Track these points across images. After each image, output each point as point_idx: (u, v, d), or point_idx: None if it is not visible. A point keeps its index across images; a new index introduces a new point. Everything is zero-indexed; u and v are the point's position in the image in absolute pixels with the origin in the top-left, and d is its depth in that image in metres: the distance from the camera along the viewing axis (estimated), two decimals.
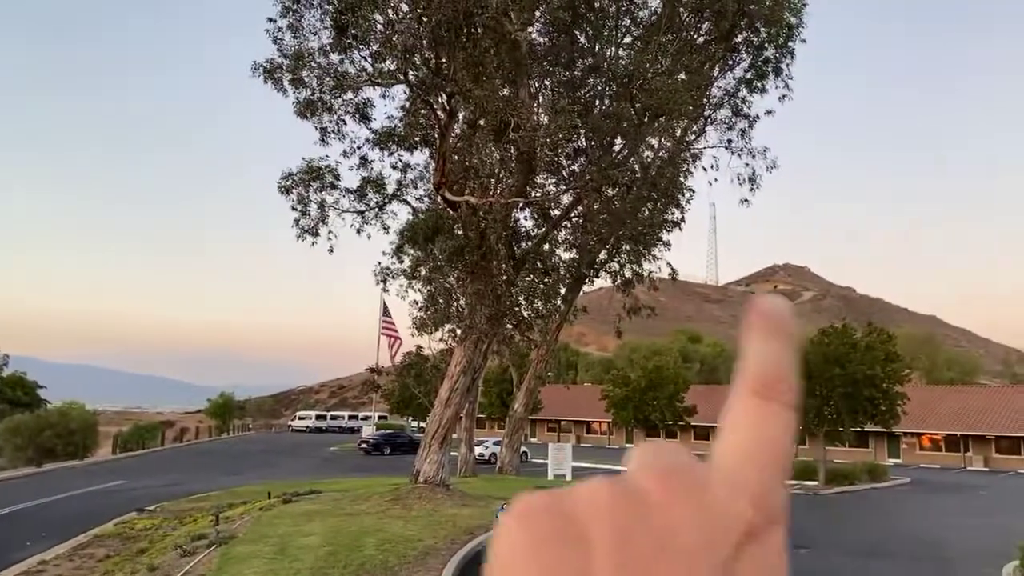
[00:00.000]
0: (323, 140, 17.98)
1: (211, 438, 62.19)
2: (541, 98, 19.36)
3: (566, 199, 23.08)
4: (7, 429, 39.24)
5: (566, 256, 27.01)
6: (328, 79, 17.21)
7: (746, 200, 25.03)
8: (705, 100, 24.34)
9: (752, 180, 24.79)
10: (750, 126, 25.07)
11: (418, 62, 16.55)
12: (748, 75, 24.61)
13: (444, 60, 16.54)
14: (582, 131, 19.47)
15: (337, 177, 18.47)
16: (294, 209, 18.02)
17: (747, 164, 24.82)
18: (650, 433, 64.88)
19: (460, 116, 18.13)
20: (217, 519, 16.08)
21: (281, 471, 31.39)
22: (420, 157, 19.86)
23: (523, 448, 37.24)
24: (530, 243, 22.01)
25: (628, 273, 29.03)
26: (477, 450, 33.69)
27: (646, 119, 20.61)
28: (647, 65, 19.54)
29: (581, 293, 31.11)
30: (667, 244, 27.71)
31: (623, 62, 20.45)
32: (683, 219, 27.19)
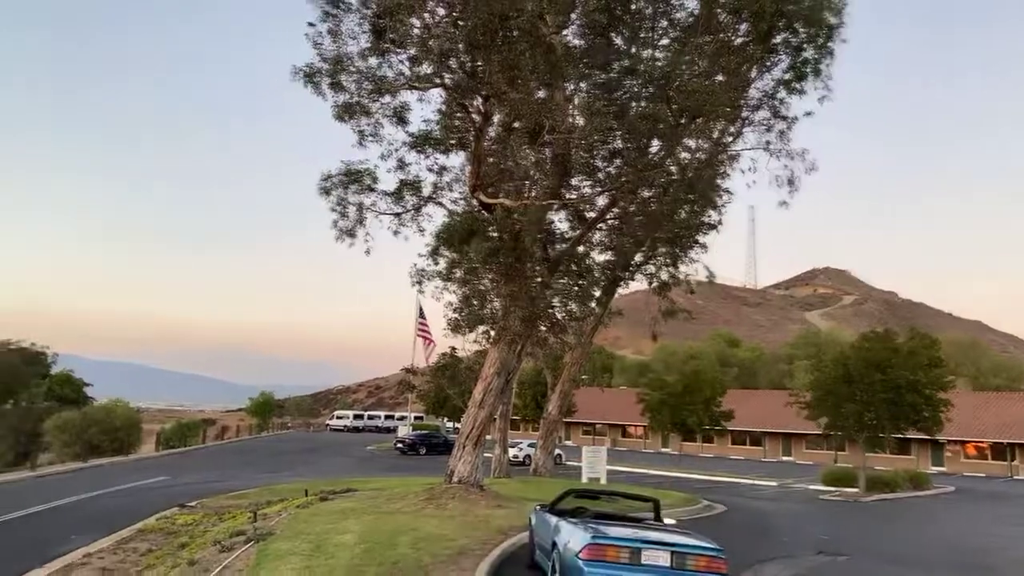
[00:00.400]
0: (361, 143, 18.19)
1: (251, 436, 63.20)
2: (576, 100, 19.35)
3: (601, 201, 23.01)
4: (56, 426, 40.40)
5: (601, 258, 26.93)
6: (366, 83, 17.40)
7: (785, 203, 24.69)
8: (743, 101, 24.07)
9: (791, 182, 24.42)
10: (789, 128, 24.72)
11: (454, 65, 16.66)
12: (787, 76, 24.28)
13: (480, 63, 16.64)
14: (618, 133, 19.40)
15: (375, 180, 18.68)
16: (333, 211, 18.29)
17: (786, 166, 24.46)
18: (687, 437, 64.24)
19: (495, 119, 18.21)
20: (255, 516, 16.37)
21: (318, 469, 31.80)
22: (456, 160, 20.06)
23: (557, 450, 37.21)
24: (565, 245, 21.99)
25: (664, 276, 28.84)
26: (511, 452, 33.75)
27: (683, 121, 20.47)
28: (684, 67, 19.41)
29: (617, 296, 30.99)
30: (704, 247, 27.48)
31: (660, 64, 20.34)
32: (720, 222, 26.96)
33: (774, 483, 36.59)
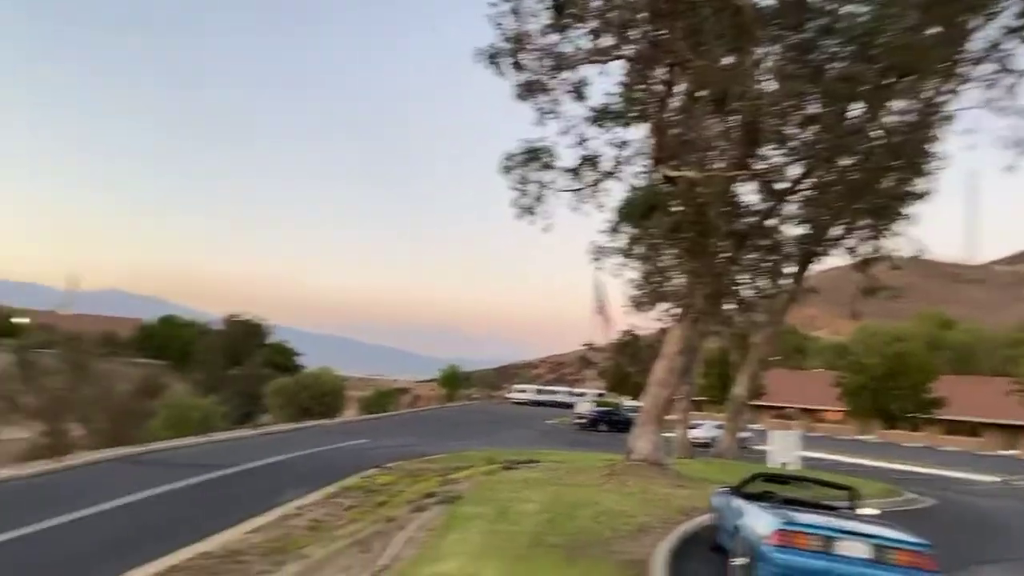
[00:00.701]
0: (540, 121, 18.38)
1: (439, 406, 66.59)
2: (767, 64, 18.28)
3: (794, 171, 21.69)
4: (273, 390, 44.85)
5: (794, 232, 25.42)
6: (546, 60, 17.53)
7: (1012, 167, 21.87)
8: (961, 55, 21.55)
9: (1020, 144, 21.60)
10: (1020, 82, 21.80)
11: (635, 36, 16.31)
12: (1017, 23, 21.39)
13: (662, 32, 16.17)
14: (813, 97, 18.14)
15: (554, 157, 18.84)
16: (513, 189, 18.67)
17: (1014, 126, 21.64)
18: (889, 425, 59.57)
19: (679, 88, 17.65)
20: (445, 480, 17.26)
21: (502, 439, 32.86)
22: (636, 133, 19.67)
23: (744, 433, 35.90)
24: (753, 219, 20.98)
25: (866, 250, 26.71)
26: (694, 433, 33.00)
27: (888, 81, 18.73)
28: (890, 21, 17.70)
29: (812, 272, 29.16)
30: (911, 218, 25.13)
31: (862, 19, 18.70)
32: (932, 190, 24.50)
33: (995, 478, 33.01)
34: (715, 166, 18.40)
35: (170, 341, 74.55)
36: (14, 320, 76.54)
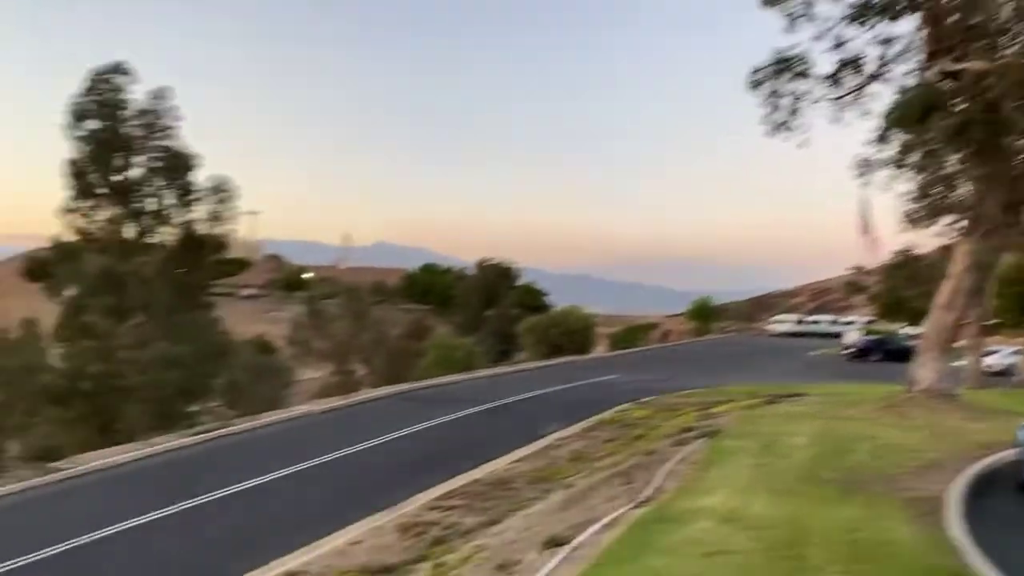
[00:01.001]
0: (790, 27, 16.75)
1: (691, 340, 65.53)
2: None
3: None
4: (526, 329, 47.05)
5: None
6: None
7: None
8: None
9: None
10: None
11: None
12: None
13: None
14: None
15: (808, 65, 17.15)
16: (764, 105, 17.27)
17: None
18: None
19: None
20: (703, 415, 16.94)
21: (761, 373, 31.54)
22: (906, 26, 17.21)
23: None
24: None
25: None
26: (987, 360, 29.41)
27: None
28: None
29: None
30: None
31: None
32: None
33: None
34: (1009, 52, 15.60)
35: (431, 287, 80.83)
36: (303, 276, 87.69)
